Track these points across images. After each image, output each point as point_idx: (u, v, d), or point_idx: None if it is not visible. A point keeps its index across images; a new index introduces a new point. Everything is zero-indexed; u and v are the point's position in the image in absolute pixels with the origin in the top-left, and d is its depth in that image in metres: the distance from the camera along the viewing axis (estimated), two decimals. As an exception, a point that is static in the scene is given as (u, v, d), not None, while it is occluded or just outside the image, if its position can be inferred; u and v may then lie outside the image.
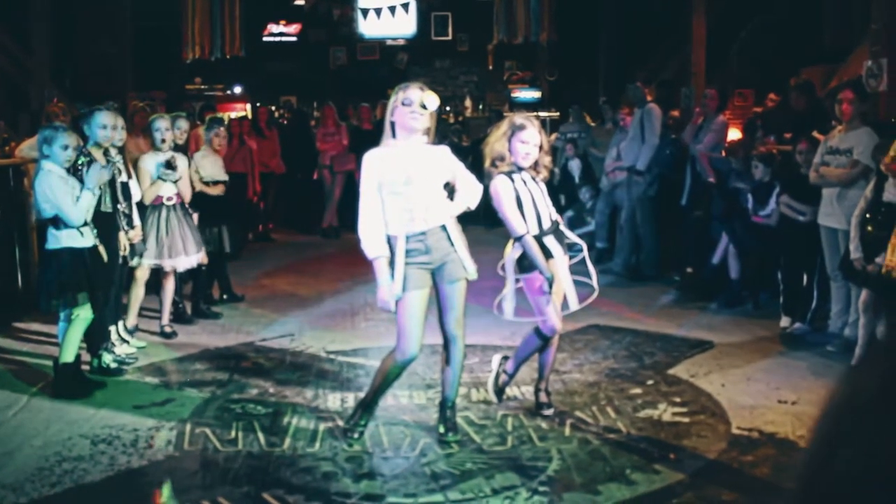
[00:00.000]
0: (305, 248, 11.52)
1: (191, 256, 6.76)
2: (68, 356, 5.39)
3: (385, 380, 4.57)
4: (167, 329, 6.81)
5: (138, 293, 6.59)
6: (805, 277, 6.87)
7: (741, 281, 7.59)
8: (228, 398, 5.39)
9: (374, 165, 4.38)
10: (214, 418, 5.03)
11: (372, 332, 6.86)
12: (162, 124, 6.67)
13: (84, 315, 5.39)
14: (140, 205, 6.53)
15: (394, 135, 4.41)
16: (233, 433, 4.79)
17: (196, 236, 6.84)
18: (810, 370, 5.86)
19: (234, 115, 15.66)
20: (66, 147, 5.32)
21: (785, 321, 6.83)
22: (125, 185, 6.17)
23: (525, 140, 4.69)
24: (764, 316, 7.18)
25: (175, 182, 6.61)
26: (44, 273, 5.47)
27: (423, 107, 4.30)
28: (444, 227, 4.41)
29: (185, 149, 7.78)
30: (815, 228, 6.50)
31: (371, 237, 4.35)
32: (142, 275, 6.58)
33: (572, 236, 5.00)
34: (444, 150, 4.57)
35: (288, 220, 12.98)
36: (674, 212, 8.93)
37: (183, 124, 7.45)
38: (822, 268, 6.58)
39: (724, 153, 8.61)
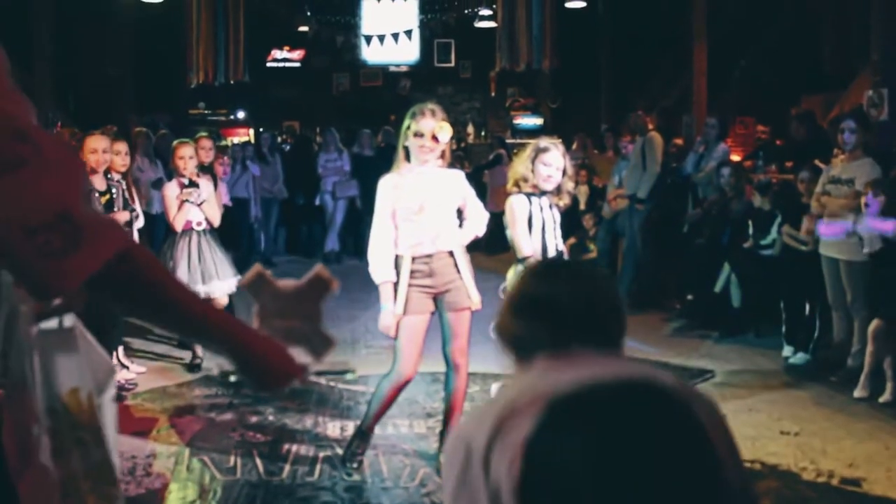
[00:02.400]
0: (306, 274, 11.47)
1: (225, 281, 6.58)
2: None
3: (381, 404, 4.56)
4: (197, 360, 6.60)
5: None
6: (807, 307, 6.85)
7: (743, 309, 7.57)
8: (228, 425, 5.36)
9: (389, 193, 4.41)
10: (213, 445, 5.00)
11: (373, 359, 6.82)
12: (187, 151, 6.63)
13: None
14: (169, 232, 6.48)
15: (408, 158, 4.43)
16: (231, 461, 4.76)
17: (228, 260, 6.69)
18: (813, 401, 5.83)
19: (237, 140, 15.75)
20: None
21: (787, 350, 6.81)
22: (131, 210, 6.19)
23: (547, 163, 4.66)
24: (766, 345, 7.16)
25: (200, 205, 6.53)
26: None
27: (436, 138, 4.33)
28: (451, 254, 4.43)
29: (211, 170, 7.79)
30: (817, 258, 6.49)
31: (380, 262, 4.39)
32: None
33: None
34: (458, 175, 4.61)
35: (289, 246, 12.99)
36: (676, 239, 8.92)
37: (207, 143, 7.48)
38: (824, 297, 6.56)
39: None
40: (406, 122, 4.38)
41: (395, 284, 4.35)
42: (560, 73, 15.38)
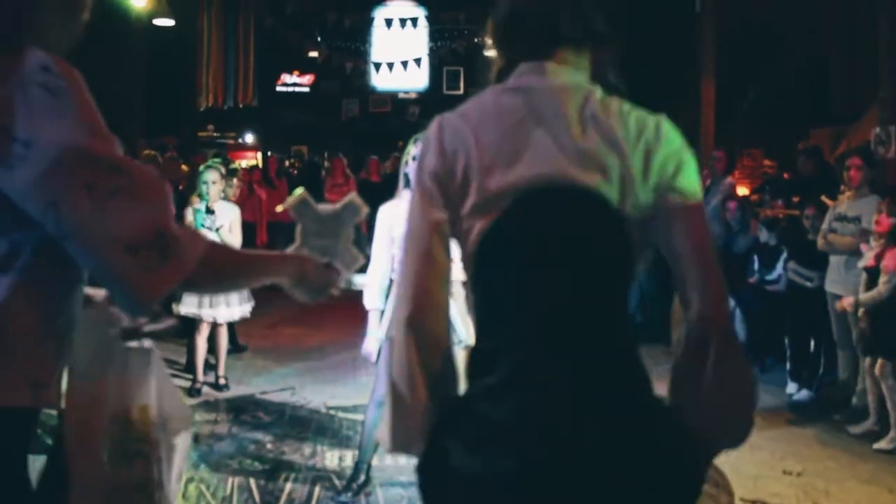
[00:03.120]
0: (341, 200, 11.45)
1: (232, 308, 6.57)
2: None
3: (368, 436, 4.54)
4: (222, 381, 6.68)
5: (197, 345, 6.54)
6: (812, 343, 6.81)
7: (747, 345, 7.52)
8: (225, 453, 5.32)
9: (387, 220, 4.42)
10: (210, 473, 4.96)
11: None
12: (211, 176, 6.63)
13: None
14: None
15: (407, 185, 4.41)
16: (228, 489, 4.72)
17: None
18: (817, 439, 5.78)
19: (244, 163, 15.81)
20: None
21: (791, 387, 6.76)
22: None
23: None
24: (770, 381, 7.10)
25: (217, 230, 6.52)
26: None
27: None
28: None
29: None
30: (823, 294, 6.46)
31: (373, 289, 4.41)
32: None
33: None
34: None
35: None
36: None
37: (235, 182, 7.46)
38: (829, 334, 6.52)
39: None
40: (408, 149, 4.38)
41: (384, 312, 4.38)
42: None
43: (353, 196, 2.02)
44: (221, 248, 1.63)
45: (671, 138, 1.72)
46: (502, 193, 1.61)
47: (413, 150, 4.33)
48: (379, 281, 4.40)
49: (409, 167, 4.34)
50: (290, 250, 1.95)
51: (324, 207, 1.98)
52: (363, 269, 1.98)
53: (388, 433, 1.66)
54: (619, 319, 1.67)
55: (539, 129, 1.66)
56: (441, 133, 1.71)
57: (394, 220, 4.37)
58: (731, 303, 7.55)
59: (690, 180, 1.68)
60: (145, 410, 1.79)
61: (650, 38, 13.74)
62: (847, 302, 5.88)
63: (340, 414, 6.12)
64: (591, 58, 1.83)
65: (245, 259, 1.69)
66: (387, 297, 4.38)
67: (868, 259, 5.71)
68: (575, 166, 1.62)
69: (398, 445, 1.66)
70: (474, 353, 1.68)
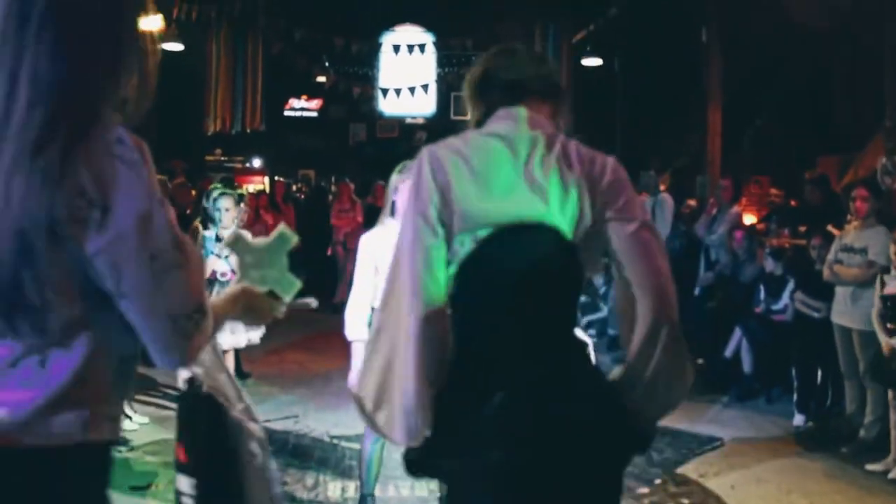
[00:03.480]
0: (316, 323, 11.42)
1: (238, 335, 6.45)
2: None
3: (368, 467, 4.49)
4: None
5: None
6: (819, 374, 6.77)
7: (754, 375, 7.48)
8: (227, 482, 5.28)
9: (370, 249, 4.31)
10: (212, 503, 4.92)
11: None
12: (225, 203, 6.61)
13: None
14: None
15: (392, 213, 4.31)
16: (229, 520, 4.68)
17: None
18: (823, 472, 5.72)
19: (252, 187, 15.86)
20: None
21: (798, 419, 6.71)
22: None
23: None
24: (777, 412, 7.06)
25: (227, 258, 6.45)
26: None
27: None
28: None
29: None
30: (830, 325, 6.42)
31: (354, 319, 4.28)
32: None
33: (578, 332, 4.93)
34: None
35: (300, 294, 12.95)
36: (686, 302, 8.86)
37: (242, 206, 7.45)
38: (836, 365, 6.47)
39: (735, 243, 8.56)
40: (392, 178, 4.27)
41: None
42: (575, 128, 15.45)
43: (283, 227, 2.26)
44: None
45: (617, 172, 2.11)
46: (481, 225, 2.01)
47: (396, 178, 4.23)
48: (362, 311, 4.27)
49: (396, 195, 4.22)
50: (232, 284, 2.14)
51: (257, 241, 2.22)
52: (301, 294, 2.22)
53: (400, 425, 2.02)
54: (571, 324, 2.15)
55: (513, 171, 2.05)
56: (434, 164, 2.07)
57: (378, 249, 4.22)
58: (738, 332, 7.52)
59: (633, 206, 2.09)
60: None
61: (657, 66, 13.79)
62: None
63: (343, 443, 6.09)
64: (551, 107, 2.27)
65: (216, 311, 1.79)
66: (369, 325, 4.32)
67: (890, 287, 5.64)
68: (539, 204, 2.02)
69: (408, 435, 2.03)
70: (457, 362, 2.03)
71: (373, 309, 4.27)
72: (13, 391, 1.49)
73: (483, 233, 2.02)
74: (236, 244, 2.26)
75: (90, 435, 1.53)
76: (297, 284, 2.20)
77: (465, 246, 2.03)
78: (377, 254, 4.22)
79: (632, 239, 2.07)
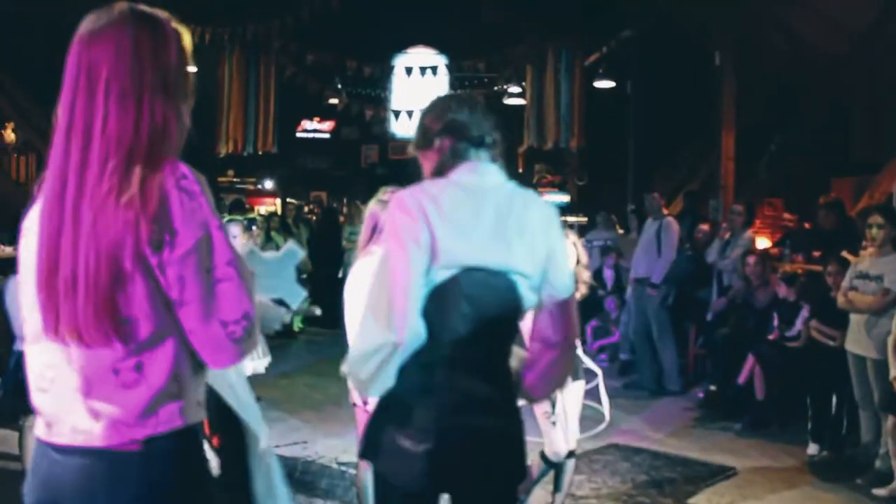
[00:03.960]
0: (327, 346, 11.42)
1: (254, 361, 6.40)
2: None
3: (366, 493, 4.34)
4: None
5: None
6: (834, 403, 6.67)
7: (767, 402, 7.38)
8: (233, 511, 5.23)
9: (363, 280, 4.24)
10: (217, 532, 4.87)
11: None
12: (234, 230, 6.53)
13: None
14: None
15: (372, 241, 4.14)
16: (234, 550, 4.63)
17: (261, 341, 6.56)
18: (838, 504, 5.63)
19: (263, 209, 15.87)
20: None
21: (812, 448, 6.61)
22: None
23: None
24: (790, 440, 6.96)
25: None
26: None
27: None
28: None
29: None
30: (846, 352, 6.34)
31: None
32: None
33: (589, 362, 4.88)
34: None
35: (312, 317, 12.91)
36: (699, 327, 8.80)
37: (255, 231, 7.41)
38: (852, 394, 6.38)
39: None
40: (370, 208, 4.13)
41: None
42: (588, 150, 15.44)
43: (291, 243, 2.51)
44: None
45: (555, 222, 2.54)
46: (451, 265, 2.34)
47: (375, 207, 4.08)
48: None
49: (379, 224, 3.99)
50: None
51: (268, 254, 2.47)
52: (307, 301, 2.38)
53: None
54: (508, 345, 2.54)
55: (476, 220, 2.38)
56: (418, 205, 2.36)
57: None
58: (751, 359, 7.43)
59: (562, 254, 2.53)
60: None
61: (670, 89, 13.76)
62: None
63: (351, 471, 6.01)
64: (499, 157, 2.60)
65: None
66: None
67: None
68: (496, 251, 2.38)
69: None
70: (412, 365, 2.37)
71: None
72: (119, 393, 1.79)
73: (451, 271, 2.35)
74: (249, 258, 2.42)
75: (187, 420, 1.85)
76: (303, 293, 2.47)
77: (436, 278, 2.35)
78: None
79: (561, 286, 2.55)
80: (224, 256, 1.81)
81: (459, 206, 2.39)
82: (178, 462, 1.84)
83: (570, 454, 4.79)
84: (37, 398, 1.90)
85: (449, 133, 2.53)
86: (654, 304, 8.76)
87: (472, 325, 2.37)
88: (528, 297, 2.45)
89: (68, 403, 1.82)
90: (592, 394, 4.91)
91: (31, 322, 1.88)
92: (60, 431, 1.83)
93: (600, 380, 4.90)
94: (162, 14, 1.91)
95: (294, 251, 2.50)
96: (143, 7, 1.90)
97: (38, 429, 1.89)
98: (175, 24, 1.93)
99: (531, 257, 2.43)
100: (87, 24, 1.86)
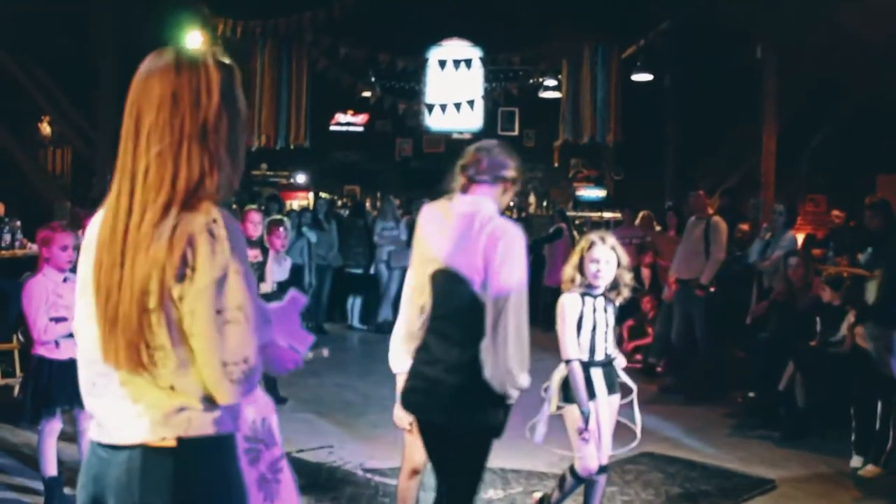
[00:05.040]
0: (358, 344, 11.33)
1: None
2: (51, 470, 5.09)
3: (404, 502, 4.35)
4: None
5: None
6: (879, 412, 6.41)
7: (808, 411, 7.13)
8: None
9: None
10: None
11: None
12: (255, 217, 6.42)
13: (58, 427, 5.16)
14: None
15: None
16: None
17: None
18: (883, 522, 5.39)
19: (296, 203, 15.79)
20: (64, 248, 5.02)
21: (856, 461, 6.35)
22: None
23: (595, 258, 4.45)
24: (832, 452, 6.70)
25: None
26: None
27: None
28: None
29: (261, 243, 7.74)
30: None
31: (398, 352, 4.04)
32: None
33: (626, 378, 4.69)
34: None
35: (343, 314, 12.81)
36: (738, 331, 8.54)
37: (256, 217, 7.30)
38: (898, 404, 6.12)
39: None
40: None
41: None
42: (625, 144, 15.18)
43: (294, 293, 2.52)
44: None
45: (510, 244, 3.38)
46: (430, 268, 3.52)
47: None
48: (400, 345, 3.99)
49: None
50: None
51: (272, 306, 2.45)
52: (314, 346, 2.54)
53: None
54: (477, 332, 3.38)
55: (445, 236, 3.49)
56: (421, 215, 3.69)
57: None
58: (791, 365, 7.18)
59: (513, 268, 3.36)
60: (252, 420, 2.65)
61: (709, 82, 13.44)
62: None
63: (377, 478, 5.88)
64: (501, 189, 3.58)
65: None
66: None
67: None
68: (461, 260, 3.41)
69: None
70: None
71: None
72: (157, 400, 2.01)
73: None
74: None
75: (219, 429, 2.04)
76: (311, 339, 2.48)
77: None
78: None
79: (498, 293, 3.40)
80: (236, 300, 1.95)
81: (439, 223, 3.58)
82: (206, 463, 2.03)
83: (603, 469, 4.61)
84: (88, 402, 2.11)
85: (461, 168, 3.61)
86: (700, 306, 8.46)
87: (444, 310, 3.49)
88: (479, 292, 3.37)
89: (117, 408, 2.04)
90: (624, 407, 4.71)
91: (83, 336, 2.09)
92: (109, 433, 2.05)
93: (635, 395, 4.70)
94: (209, 56, 2.06)
95: (297, 298, 2.51)
96: (191, 52, 2.07)
97: (91, 430, 2.12)
98: (221, 63, 2.07)
99: (481, 261, 3.36)
100: (144, 65, 2.05)
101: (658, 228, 11.95)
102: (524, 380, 3.41)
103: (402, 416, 4.13)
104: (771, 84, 11.26)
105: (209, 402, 2.01)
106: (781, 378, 7.28)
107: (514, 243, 3.35)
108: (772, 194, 10.87)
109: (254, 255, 6.99)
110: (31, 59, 12.64)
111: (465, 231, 3.39)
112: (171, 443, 1.99)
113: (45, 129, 16.20)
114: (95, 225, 2.08)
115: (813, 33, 11.45)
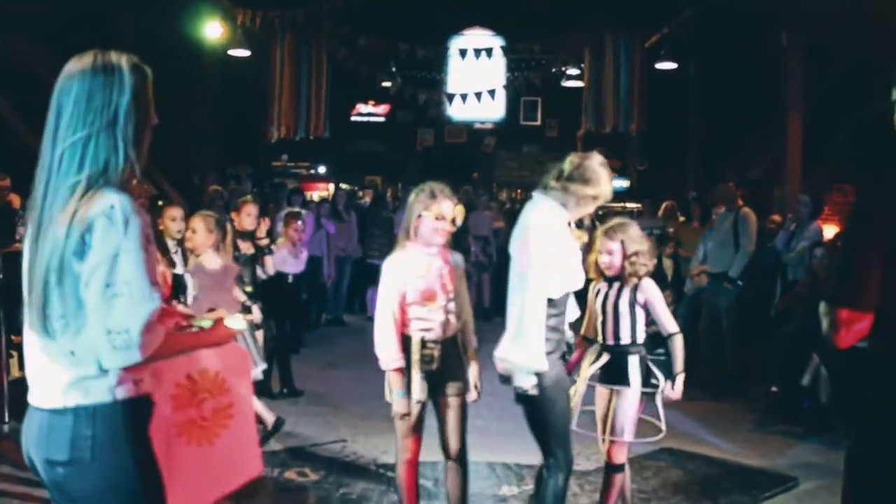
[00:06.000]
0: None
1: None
2: None
3: (404, 494, 4.40)
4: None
5: None
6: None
7: (832, 406, 6.96)
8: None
9: (396, 274, 4.21)
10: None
11: (427, 441, 6.45)
12: (251, 209, 6.38)
13: None
14: None
15: (413, 236, 4.25)
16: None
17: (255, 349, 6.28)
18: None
19: (317, 195, 15.73)
20: None
21: (882, 459, 6.18)
22: (178, 277, 5.93)
23: (606, 250, 4.54)
24: (857, 450, 6.53)
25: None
26: None
27: (454, 222, 4.22)
28: (454, 339, 4.30)
29: (252, 236, 7.67)
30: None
31: (387, 346, 4.19)
32: None
33: (655, 370, 4.61)
34: (459, 259, 4.43)
35: (363, 305, 12.74)
36: (762, 324, 8.37)
37: (253, 209, 7.23)
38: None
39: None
40: (421, 203, 4.20)
41: (404, 369, 4.23)
42: (648, 134, 15.00)
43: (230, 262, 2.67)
44: (170, 340, 2.32)
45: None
46: None
47: (430, 206, 4.17)
48: (393, 339, 4.18)
49: (426, 222, 4.18)
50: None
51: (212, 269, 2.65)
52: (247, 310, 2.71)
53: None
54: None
55: None
56: None
57: (402, 273, 4.19)
58: (815, 360, 7.03)
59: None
60: (206, 372, 2.95)
61: (734, 71, 13.21)
62: None
63: (389, 473, 5.78)
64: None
65: (182, 344, 2.58)
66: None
67: None
68: None
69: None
70: None
71: (404, 336, 4.21)
72: (58, 371, 2.30)
73: None
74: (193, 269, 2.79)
75: (117, 395, 2.31)
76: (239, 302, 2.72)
77: None
78: (402, 278, 4.18)
79: None
80: (125, 276, 2.20)
81: None
82: (100, 424, 2.28)
83: (619, 467, 4.53)
84: (27, 371, 2.41)
85: None
86: (728, 299, 8.28)
87: None
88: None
89: (36, 374, 2.37)
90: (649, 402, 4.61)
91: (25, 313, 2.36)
92: (32, 395, 2.37)
93: (661, 389, 4.59)
94: (124, 60, 2.34)
95: (233, 267, 2.64)
96: (107, 55, 2.33)
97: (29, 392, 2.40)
98: (135, 66, 2.35)
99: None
100: (65, 67, 2.34)
101: (682, 219, 11.76)
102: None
103: (405, 411, 4.11)
104: (796, 72, 11.04)
105: (104, 370, 2.26)
106: (805, 373, 7.13)
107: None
108: (797, 185, 10.67)
109: (246, 247, 6.91)
110: (50, 51, 12.64)
111: None
112: (72, 405, 2.27)
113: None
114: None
115: (838, 19, 11.21)
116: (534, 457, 5.66)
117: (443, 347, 4.22)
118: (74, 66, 2.33)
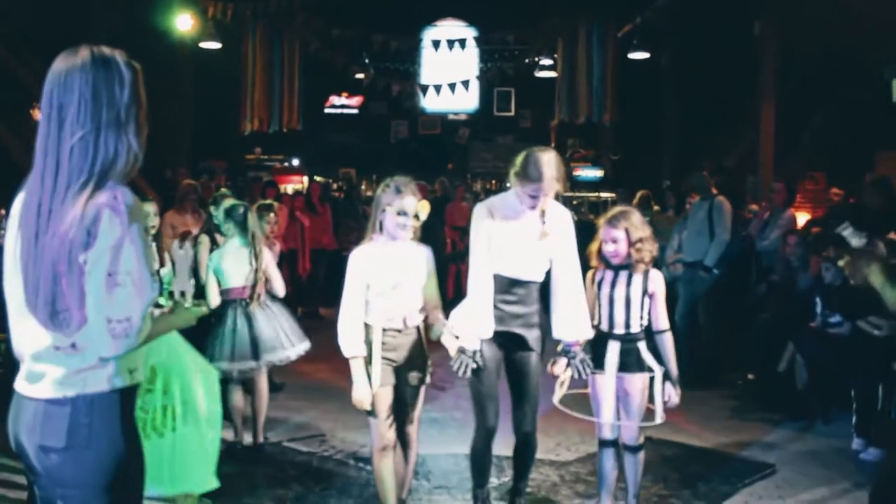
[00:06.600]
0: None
1: (277, 352, 6.12)
2: None
3: (384, 483, 4.43)
4: (261, 439, 6.12)
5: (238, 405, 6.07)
6: (881, 395, 6.30)
7: (808, 392, 7.02)
8: (243, 512, 5.02)
9: (363, 265, 4.34)
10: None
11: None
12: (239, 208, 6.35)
13: None
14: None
15: (380, 229, 4.39)
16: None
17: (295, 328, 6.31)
18: (885, 506, 5.26)
19: (290, 188, 15.63)
20: None
21: (857, 444, 6.25)
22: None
23: (608, 238, 4.60)
24: (833, 434, 6.60)
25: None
26: None
27: (417, 217, 4.33)
28: (417, 329, 4.46)
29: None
30: (894, 342, 5.96)
31: (350, 335, 4.33)
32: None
33: (651, 361, 4.65)
34: (427, 252, 4.55)
35: (338, 297, 12.67)
36: (738, 312, 8.41)
37: (273, 217, 7.15)
38: (900, 385, 6.01)
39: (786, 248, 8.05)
40: (386, 198, 4.32)
41: (366, 358, 4.33)
42: (622, 124, 15.02)
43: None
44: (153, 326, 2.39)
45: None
46: None
47: (393, 201, 4.28)
48: (356, 328, 4.31)
49: (389, 216, 4.31)
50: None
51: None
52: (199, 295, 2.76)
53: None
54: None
55: None
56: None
57: (369, 265, 4.32)
58: (791, 347, 7.07)
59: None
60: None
61: (707, 60, 13.25)
62: None
63: (369, 468, 5.76)
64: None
65: (157, 328, 2.49)
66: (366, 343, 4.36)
67: None
68: None
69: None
70: None
71: (366, 325, 4.34)
72: (59, 362, 2.35)
73: None
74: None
75: (113, 385, 2.38)
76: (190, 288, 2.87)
77: None
78: (368, 270, 4.30)
79: None
80: (126, 266, 2.27)
81: None
82: (98, 413, 2.35)
83: (630, 449, 4.78)
84: (17, 352, 2.44)
85: None
86: (704, 287, 8.30)
87: None
88: None
89: (31, 364, 2.40)
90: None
91: (13, 300, 2.40)
92: (25, 386, 2.41)
93: (657, 376, 4.64)
94: (118, 56, 2.39)
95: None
96: (103, 51, 2.38)
97: (17, 381, 2.44)
98: (129, 62, 2.41)
99: None
100: (58, 63, 2.37)
101: (656, 208, 11.80)
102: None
103: (365, 399, 4.27)
104: (769, 60, 11.09)
105: (103, 359, 2.32)
106: (781, 359, 7.17)
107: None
108: (770, 173, 10.73)
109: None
110: (21, 44, 12.47)
111: None
112: (72, 395, 2.32)
113: (37, 115, 16.02)
114: (19, 203, 2.40)
115: (812, 8, 11.28)
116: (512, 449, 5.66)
117: (404, 337, 4.36)
118: (69, 61, 2.36)
